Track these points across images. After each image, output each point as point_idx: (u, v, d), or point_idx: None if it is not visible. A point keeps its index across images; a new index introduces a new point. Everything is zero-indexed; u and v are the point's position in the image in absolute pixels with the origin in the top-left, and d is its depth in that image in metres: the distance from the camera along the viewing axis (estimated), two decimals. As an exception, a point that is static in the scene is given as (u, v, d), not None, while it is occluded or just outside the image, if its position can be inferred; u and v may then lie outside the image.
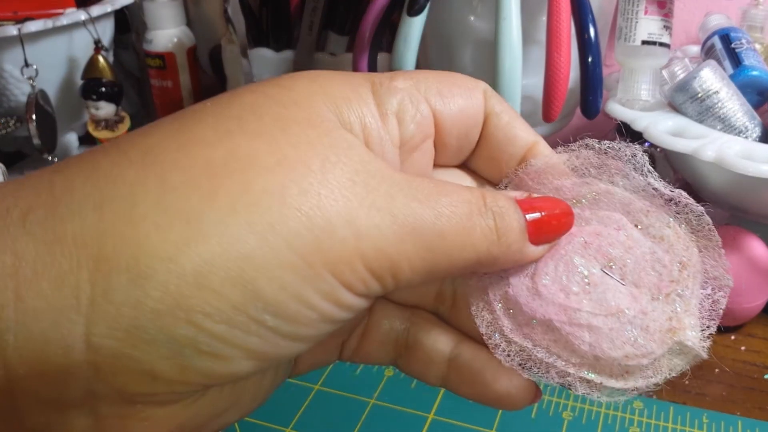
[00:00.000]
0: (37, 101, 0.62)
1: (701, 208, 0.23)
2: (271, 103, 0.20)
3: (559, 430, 0.40)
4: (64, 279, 0.17)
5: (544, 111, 0.50)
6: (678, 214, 0.24)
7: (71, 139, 0.74)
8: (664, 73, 0.52)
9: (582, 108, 0.51)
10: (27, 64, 0.61)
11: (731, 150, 0.45)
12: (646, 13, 0.51)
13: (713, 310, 0.23)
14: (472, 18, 0.55)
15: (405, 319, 0.27)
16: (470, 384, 0.25)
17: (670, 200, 0.24)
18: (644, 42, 0.51)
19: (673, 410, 0.42)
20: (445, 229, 0.20)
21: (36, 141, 0.62)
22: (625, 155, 0.24)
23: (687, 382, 0.45)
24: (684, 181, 0.63)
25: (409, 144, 0.23)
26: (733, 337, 0.49)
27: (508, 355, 0.23)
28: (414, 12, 0.51)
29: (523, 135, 0.25)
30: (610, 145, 0.24)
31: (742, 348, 0.49)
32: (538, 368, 0.23)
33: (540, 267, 0.23)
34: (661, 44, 0.51)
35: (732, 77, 0.51)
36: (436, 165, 0.26)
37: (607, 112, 0.53)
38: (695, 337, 0.22)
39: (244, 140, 0.19)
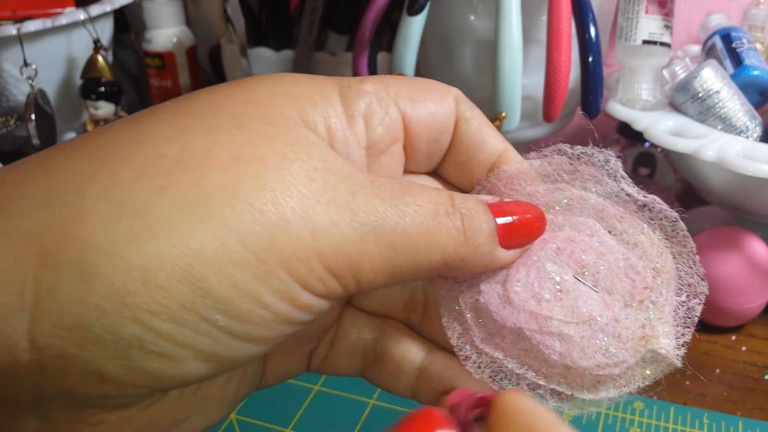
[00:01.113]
0: (37, 101, 0.62)
1: (675, 214, 0.23)
2: (231, 102, 0.20)
3: (560, 430, 0.40)
4: (8, 275, 0.16)
5: (545, 111, 0.50)
6: (652, 220, 0.23)
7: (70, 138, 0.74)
8: (665, 72, 0.52)
9: (582, 108, 0.51)
10: (26, 64, 0.61)
11: (732, 150, 0.45)
12: (646, 12, 0.51)
13: (688, 318, 0.23)
14: (472, 17, 0.55)
15: (374, 328, 0.26)
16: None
17: (644, 206, 0.23)
18: (645, 41, 0.51)
19: (674, 410, 0.42)
20: (409, 227, 0.20)
21: (35, 141, 0.62)
22: (598, 161, 0.24)
23: (688, 382, 0.45)
24: (685, 180, 0.63)
25: (376, 147, 0.23)
26: (733, 338, 0.49)
27: (479, 367, 0.23)
28: (414, 11, 0.51)
29: (493, 142, 0.25)
30: (583, 151, 0.24)
31: (743, 348, 0.48)
32: (509, 380, 0.23)
33: (512, 273, 0.23)
34: (662, 44, 0.51)
35: (733, 77, 0.51)
36: (407, 171, 0.25)
37: (607, 111, 0.53)
38: (669, 345, 0.22)
39: (200, 136, 0.19)
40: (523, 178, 0.24)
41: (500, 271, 0.23)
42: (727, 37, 0.54)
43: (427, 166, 0.26)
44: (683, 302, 0.23)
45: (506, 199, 0.23)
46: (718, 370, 0.46)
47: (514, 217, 0.22)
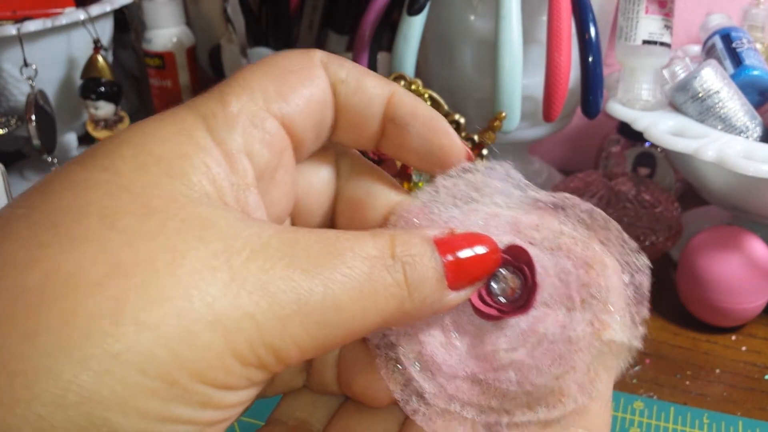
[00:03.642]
0: (37, 101, 0.62)
1: (589, 205, 0.23)
2: (97, 194, 0.17)
3: (560, 430, 0.40)
4: None
5: (545, 111, 0.50)
6: (567, 217, 0.23)
7: (71, 139, 0.74)
8: (665, 72, 0.52)
9: (582, 108, 0.51)
10: (26, 64, 0.61)
11: (732, 150, 0.45)
12: (646, 12, 0.51)
13: (638, 295, 0.22)
14: (472, 17, 0.55)
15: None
16: None
17: (557, 207, 0.23)
18: (645, 41, 0.51)
19: (674, 411, 0.42)
20: (340, 299, 0.17)
21: (35, 141, 0.62)
22: (500, 174, 0.23)
23: (688, 382, 0.45)
24: (685, 180, 0.63)
25: (267, 171, 0.20)
26: (733, 338, 0.49)
27: (430, 419, 0.22)
28: (414, 11, 0.51)
29: (378, 91, 0.22)
30: (487, 166, 0.23)
31: (743, 348, 0.48)
32: (463, 428, 0.22)
33: (446, 315, 0.22)
34: (662, 44, 0.51)
35: (733, 77, 0.51)
36: (299, 161, 0.23)
37: (607, 111, 0.53)
38: (622, 330, 0.21)
39: (63, 254, 0.16)
40: (435, 205, 0.23)
41: (437, 316, 0.21)
42: (727, 37, 0.54)
43: (316, 146, 0.23)
44: (629, 282, 0.22)
45: (456, 230, 0.21)
46: (718, 370, 0.46)
47: (466, 253, 0.20)
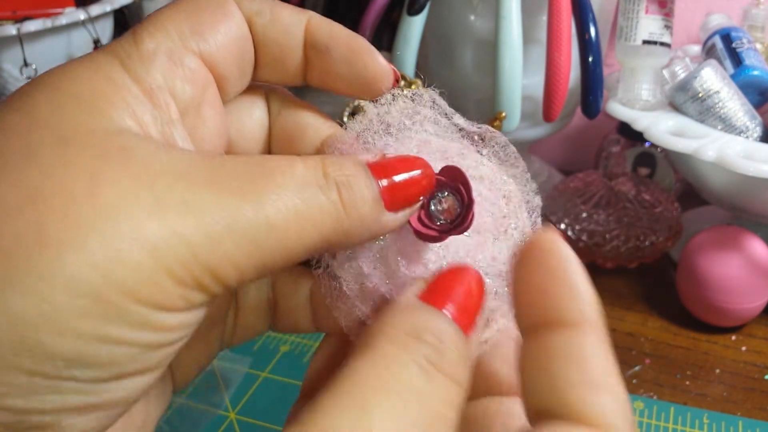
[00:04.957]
0: (37, 101, 0.62)
1: (505, 138, 0.23)
2: (13, 135, 0.17)
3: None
4: None
5: (545, 111, 0.50)
6: (485, 148, 0.23)
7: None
8: (665, 72, 0.52)
9: (582, 108, 0.51)
10: (26, 64, 0.61)
11: (732, 150, 0.45)
12: (646, 12, 0.51)
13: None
14: (472, 17, 0.55)
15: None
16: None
17: (479, 136, 0.23)
18: (645, 41, 0.51)
19: (674, 410, 0.42)
20: (273, 218, 0.17)
21: (35, 141, 0.62)
22: (427, 101, 0.23)
23: (688, 382, 0.45)
24: (685, 180, 0.63)
25: (191, 106, 0.20)
26: (733, 338, 0.49)
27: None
28: (414, 11, 0.51)
29: (294, 20, 0.22)
30: (414, 92, 0.23)
31: (743, 348, 0.48)
32: None
33: (389, 243, 0.22)
34: (662, 44, 0.51)
35: (733, 77, 0.51)
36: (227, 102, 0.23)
37: (607, 111, 0.53)
38: None
39: None
40: (369, 134, 0.22)
41: (376, 243, 0.21)
42: (727, 37, 0.54)
43: (242, 84, 0.23)
44: (533, 221, 0.23)
45: (387, 155, 0.21)
46: (718, 370, 0.46)
47: (401, 176, 0.20)
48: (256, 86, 0.23)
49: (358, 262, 0.22)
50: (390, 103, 0.23)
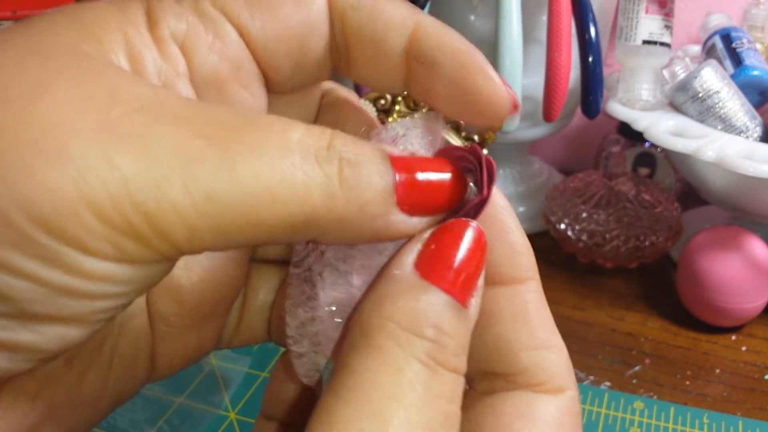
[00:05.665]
0: (37, 101, 0.62)
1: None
2: (9, 47, 0.15)
3: (560, 430, 0.40)
4: None
5: (545, 111, 0.50)
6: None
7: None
8: (665, 72, 0.52)
9: (582, 108, 0.51)
10: (26, 64, 0.61)
11: (732, 150, 0.45)
12: (646, 12, 0.51)
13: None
14: (472, 17, 0.55)
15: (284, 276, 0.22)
16: None
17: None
18: (645, 41, 0.51)
19: (674, 410, 0.42)
20: (243, 174, 0.14)
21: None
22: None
23: (688, 382, 0.45)
24: (685, 180, 0.63)
25: (213, 78, 0.18)
26: (733, 338, 0.49)
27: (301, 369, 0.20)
28: (414, 11, 0.51)
29: (397, 21, 0.19)
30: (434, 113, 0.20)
31: (743, 348, 0.48)
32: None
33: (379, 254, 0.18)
34: (662, 44, 0.51)
35: (733, 77, 0.51)
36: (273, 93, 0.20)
37: (607, 111, 0.53)
38: None
39: None
40: (424, 130, 0.19)
41: (384, 252, 0.18)
42: (727, 37, 0.54)
43: (299, 79, 0.20)
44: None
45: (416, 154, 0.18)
46: (718, 370, 0.46)
47: (425, 176, 0.17)
48: (316, 87, 0.21)
49: (352, 276, 0.18)
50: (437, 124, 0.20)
